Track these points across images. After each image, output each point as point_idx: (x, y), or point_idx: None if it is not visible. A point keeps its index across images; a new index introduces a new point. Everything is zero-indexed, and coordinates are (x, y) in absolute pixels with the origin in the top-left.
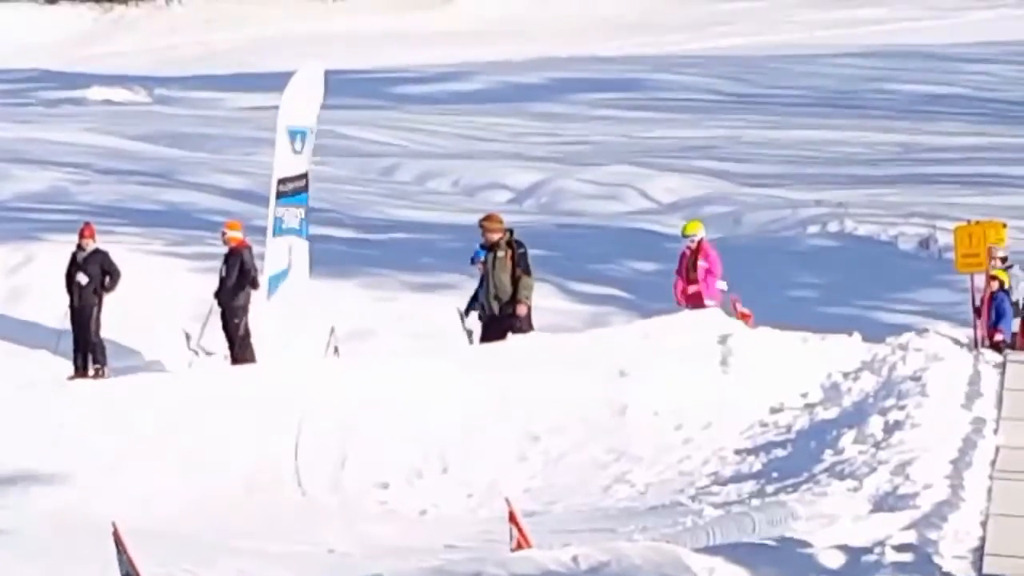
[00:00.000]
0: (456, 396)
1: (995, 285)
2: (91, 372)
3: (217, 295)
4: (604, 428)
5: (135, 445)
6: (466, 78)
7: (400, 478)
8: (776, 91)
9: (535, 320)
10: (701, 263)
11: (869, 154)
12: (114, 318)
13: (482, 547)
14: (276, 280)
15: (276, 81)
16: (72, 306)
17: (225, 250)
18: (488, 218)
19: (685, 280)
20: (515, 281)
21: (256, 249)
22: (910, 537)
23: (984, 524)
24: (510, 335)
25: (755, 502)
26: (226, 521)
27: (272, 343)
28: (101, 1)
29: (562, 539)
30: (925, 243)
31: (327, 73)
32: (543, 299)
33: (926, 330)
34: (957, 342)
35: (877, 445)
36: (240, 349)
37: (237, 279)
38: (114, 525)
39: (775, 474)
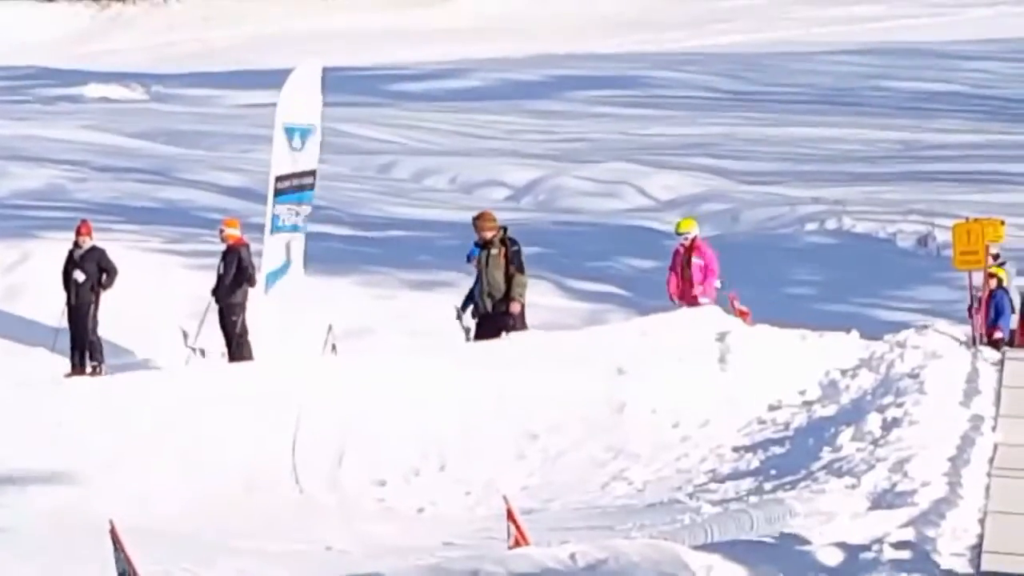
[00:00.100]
0: (454, 394)
1: (994, 283)
2: (88, 370)
3: (214, 293)
4: (602, 426)
5: (132, 443)
6: (464, 75)
7: (398, 476)
8: (774, 88)
9: (531, 318)
10: (696, 260)
11: (867, 151)
12: (111, 315)
13: (480, 545)
14: (273, 276)
15: (274, 78)
16: (69, 304)
17: (223, 247)
18: (481, 216)
19: (679, 277)
20: (508, 279)
21: (254, 247)
22: (908, 534)
23: (982, 521)
24: (504, 333)
25: (753, 499)
26: (224, 519)
27: (270, 340)
28: None
29: (560, 536)
30: (923, 240)
31: (326, 70)
32: (541, 297)
33: (926, 327)
34: (955, 339)
35: (875, 442)
36: (237, 347)
37: (235, 277)
38: (111, 523)
39: (773, 471)
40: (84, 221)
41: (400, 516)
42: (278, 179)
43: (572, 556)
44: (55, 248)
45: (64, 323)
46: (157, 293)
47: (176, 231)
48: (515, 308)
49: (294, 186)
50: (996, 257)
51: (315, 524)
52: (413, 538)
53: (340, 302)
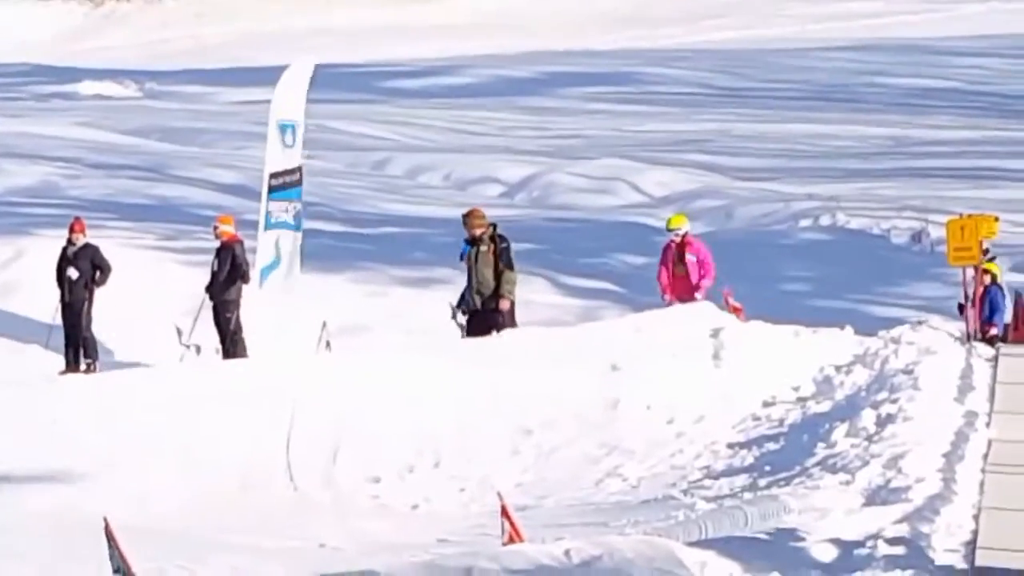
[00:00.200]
0: (448, 391)
1: (987, 279)
2: (82, 367)
3: (208, 289)
4: (596, 422)
5: (127, 440)
6: (458, 72)
7: (392, 473)
8: (769, 85)
9: (525, 314)
10: (689, 257)
11: (861, 148)
12: (105, 313)
13: (474, 541)
14: (267, 271)
15: (267, 75)
16: (63, 301)
17: (217, 244)
18: (471, 213)
19: (670, 273)
20: (498, 276)
21: (248, 243)
22: (902, 530)
23: (976, 517)
24: (494, 330)
25: (747, 496)
26: (218, 516)
27: (264, 337)
28: None
29: (554, 533)
30: (917, 237)
31: (320, 67)
32: (535, 293)
33: (922, 323)
34: (950, 335)
35: (869, 438)
36: (232, 344)
37: (229, 273)
38: (105, 520)
39: (767, 468)
40: (77, 218)
41: (394, 513)
42: (272, 176)
43: (566, 552)
44: (49, 245)
45: (58, 320)
46: (151, 290)
47: (170, 228)
48: (504, 305)
49: (285, 183)
50: (985, 252)
51: (309, 521)
52: (407, 535)
53: (334, 299)
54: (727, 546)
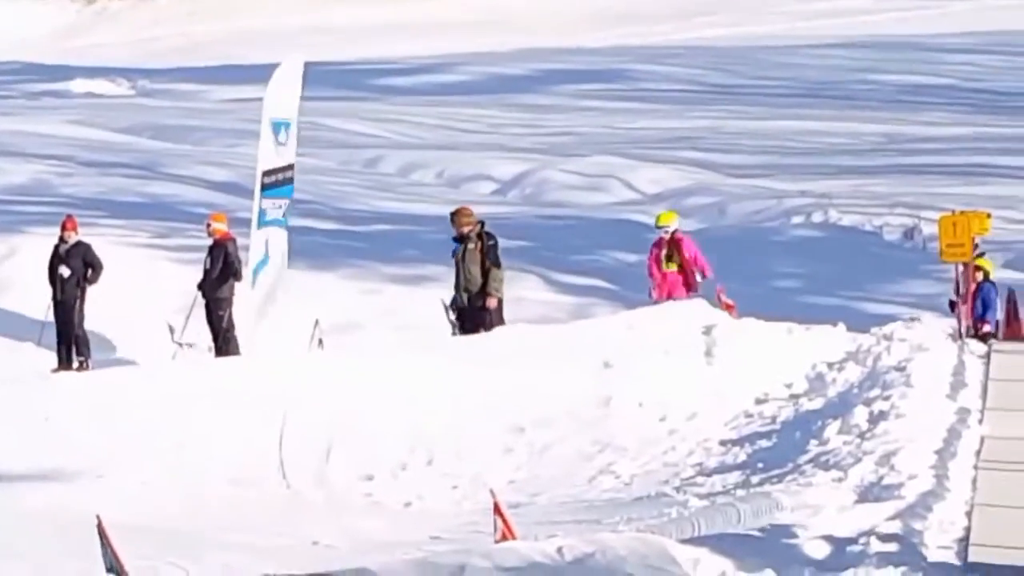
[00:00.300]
0: (441, 388)
1: (980, 276)
2: (75, 365)
3: (201, 287)
4: (589, 420)
5: (120, 438)
6: (450, 69)
7: (385, 471)
8: (761, 82)
9: (518, 311)
10: (686, 254)
11: (853, 144)
12: (97, 311)
13: (467, 539)
14: (258, 270)
15: (259, 73)
16: (55, 299)
17: (209, 242)
18: (459, 212)
19: (659, 270)
20: (485, 273)
21: (240, 241)
22: (895, 527)
23: (969, 514)
24: (481, 328)
25: (740, 493)
26: (211, 514)
27: (256, 335)
28: None
29: (547, 530)
30: (910, 233)
31: (312, 64)
32: (527, 291)
33: (916, 319)
34: (943, 332)
35: (862, 435)
36: (224, 342)
37: (221, 271)
38: (98, 518)
39: (760, 465)
40: (69, 216)
41: (387, 511)
42: (265, 173)
43: (559, 550)
44: (41, 243)
45: (50, 318)
46: (143, 288)
47: (162, 226)
48: (491, 303)
49: (278, 180)
50: (974, 248)
51: (302, 519)
52: (400, 532)
53: (327, 297)
54: (720, 543)
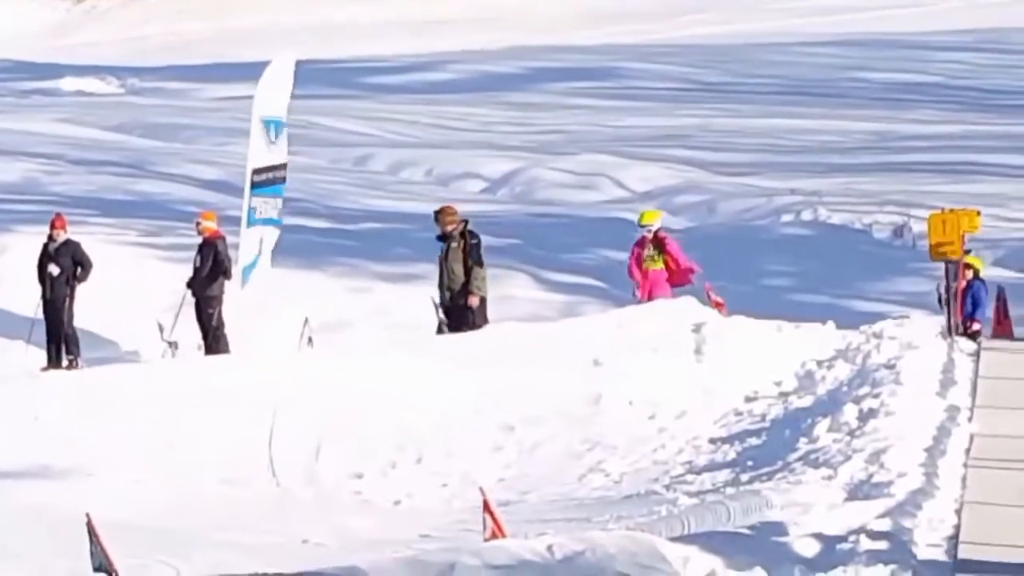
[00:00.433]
0: (431, 387)
1: (970, 274)
2: (64, 363)
3: (191, 285)
4: (578, 418)
5: (109, 436)
6: (440, 68)
7: (375, 469)
8: (750, 80)
9: (506, 310)
10: (670, 252)
11: (843, 142)
12: (87, 309)
13: (457, 537)
14: (249, 270)
15: (249, 71)
16: (44, 297)
17: (199, 240)
18: (442, 211)
19: (639, 269)
20: (468, 272)
21: (230, 240)
22: (885, 525)
23: (959, 512)
24: (465, 327)
25: (730, 491)
26: (201, 513)
27: (246, 333)
28: None
29: (537, 528)
30: (899, 231)
31: (302, 63)
32: (517, 289)
33: (906, 317)
34: (932, 330)
35: (852, 433)
36: (214, 340)
37: (211, 269)
38: (87, 516)
39: (750, 463)
40: (58, 214)
41: (377, 509)
42: (255, 172)
43: (549, 548)
44: (30, 241)
45: (39, 316)
46: (133, 286)
47: (152, 224)
48: (473, 301)
49: (269, 179)
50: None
51: (292, 517)
52: (390, 531)
53: (316, 295)
54: (709, 541)
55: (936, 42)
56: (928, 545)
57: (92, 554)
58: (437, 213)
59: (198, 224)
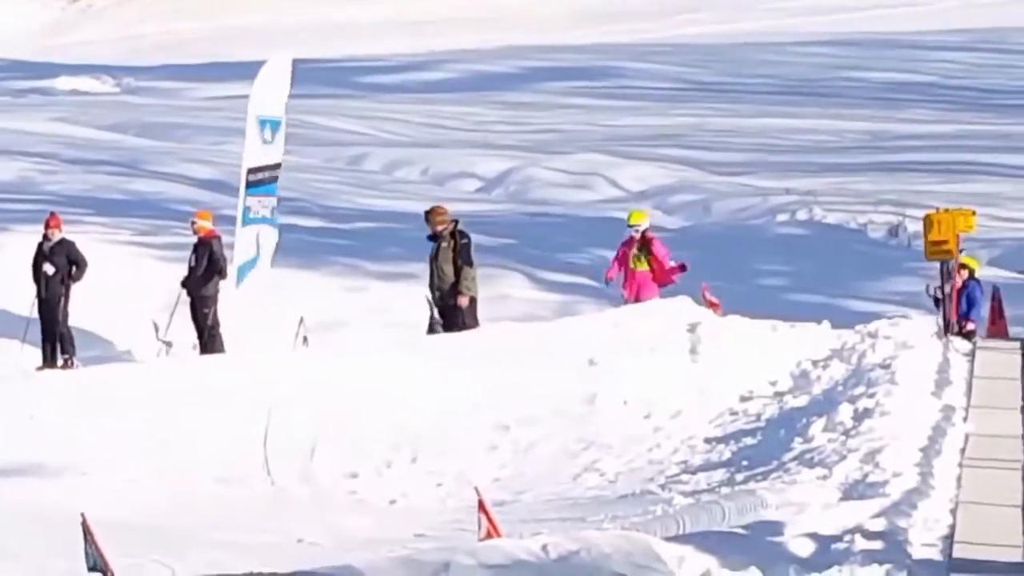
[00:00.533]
0: (426, 386)
1: (965, 274)
2: (59, 362)
3: (186, 285)
4: (574, 417)
5: (104, 436)
6: (435, 67)
7: (370, 468)
8: (745, 79)
9: (501, 310)
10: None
11: (838, 142)
12: (82, 308)
13: (452, 536)
14: (244, 269)
15: (245, 71)
16: (39, 296)
17: (194, 240)
18: (432, 210)
19: (619, 268)
20: (458, 272)
21: (225, 239)
22: (880, 525)
23: (954, 511)
24: (455, 327)
25: (725, 490)
26: (196, 512)
27: (241, 333)
28: None
29: (532, 528)
30: (894, 231)
31: (296, 62)
32: (512, 288)
33: (904, 316)
34: (927, 330)
35: (847, 433)
36: (209, 339)
37: (206, 269)
38: (82, 516)
39: (745, 462)
40: (53, 214)
41: (372, 508)
42: (250, 171)
43: (544, 547)
44: (25, 241)
45: (34, 316)
46: (128, 286)
47: (147, 223)
48: (463, 301)
49: (264, 178)
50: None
51: (287, 516)
52: (385, 530)
53: (311, 295)
54: (704, 541)
55: (931, 42)
56: (923, 545)
57: (87, 554)
58: (427, 213)
59: (193, 223)
